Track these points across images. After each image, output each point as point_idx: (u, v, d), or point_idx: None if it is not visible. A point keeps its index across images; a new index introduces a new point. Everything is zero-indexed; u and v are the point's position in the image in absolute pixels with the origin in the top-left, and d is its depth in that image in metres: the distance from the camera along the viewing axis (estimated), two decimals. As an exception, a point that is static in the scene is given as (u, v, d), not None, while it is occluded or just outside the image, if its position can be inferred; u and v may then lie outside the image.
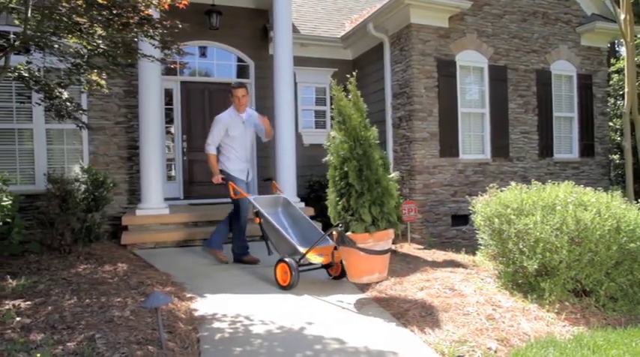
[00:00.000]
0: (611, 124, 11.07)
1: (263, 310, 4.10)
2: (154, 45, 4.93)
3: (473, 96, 8.88)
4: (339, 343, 3.37)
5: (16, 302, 3.82)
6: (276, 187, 6.12)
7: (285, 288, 4.69)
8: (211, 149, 5.81)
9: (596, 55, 9.96)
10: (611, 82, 11.46)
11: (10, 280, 4.48)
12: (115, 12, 4.19)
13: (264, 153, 9.31)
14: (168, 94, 9.08)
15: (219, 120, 5.82)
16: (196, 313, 3.99)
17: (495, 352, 3.28)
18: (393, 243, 6.78)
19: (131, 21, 4.31)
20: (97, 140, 7.78)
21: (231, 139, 5.84)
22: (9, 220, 4.79)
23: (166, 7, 4.76)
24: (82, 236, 5.94)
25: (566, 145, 9.72)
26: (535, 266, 4.16)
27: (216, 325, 3.73)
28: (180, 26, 4.71)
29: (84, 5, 4.11)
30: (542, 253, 4.14)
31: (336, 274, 5.08)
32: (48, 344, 2.98)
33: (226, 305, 4.21)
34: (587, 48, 9.80)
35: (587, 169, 9.78)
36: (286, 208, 5.64)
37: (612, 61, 11.59)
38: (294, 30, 9.08)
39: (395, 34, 8.66)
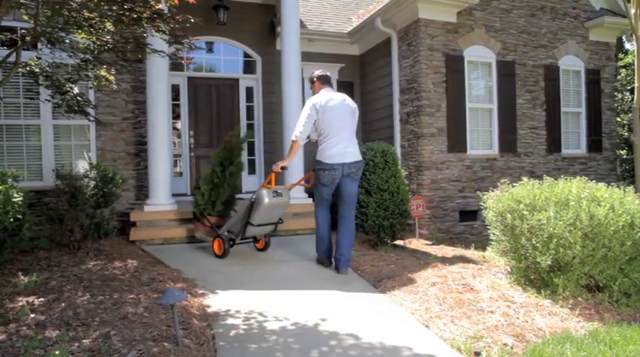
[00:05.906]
0: (618, 119, 11.01)
1: (276, 305, 4.09)
2: (165, 40, 4.91)
3: (481, 91, 8.83)
4: (354, 339, 3.36)
5: (30, 299, 3.82)
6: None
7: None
8: None
9: (605, 49, 9.90)
10: (618, 77, 11.38)
11: (22, 277, 4.48)
12: (125, 7, 4.16)
13: (270, 148, 9.29)
14: (175, 90, 9.07)
15: None
16: (209, 310, 3.98)
17: (512, 348, 3.27)
18: (401, 239, 6.83)
19: (143, 16, 4.28)
20: (105, 136, 7.76)
21: None
22: (20, 216, 4.76)
23: (176, 1, 4.72)
24: (91, 232, 5.92)
25: (574, 140, 9.67)
26: (548, 262, 4.14)
27: (230, 321, 3.72)
28: (192, 20, 4.68)
29: (95, 0, 4.08)
30: (555, 249, 4.12)
31: (260, 247, 6.08)
32: (64, 341, 2.97)
33: (238, 301, 4.19)
34: (595, 43, 9.74)
35: (595, 164, 9.74)
36: None
37: (620, 55, 11.51)
38: (301, 25, 9.03)
39: (403, 29, 8.62)
